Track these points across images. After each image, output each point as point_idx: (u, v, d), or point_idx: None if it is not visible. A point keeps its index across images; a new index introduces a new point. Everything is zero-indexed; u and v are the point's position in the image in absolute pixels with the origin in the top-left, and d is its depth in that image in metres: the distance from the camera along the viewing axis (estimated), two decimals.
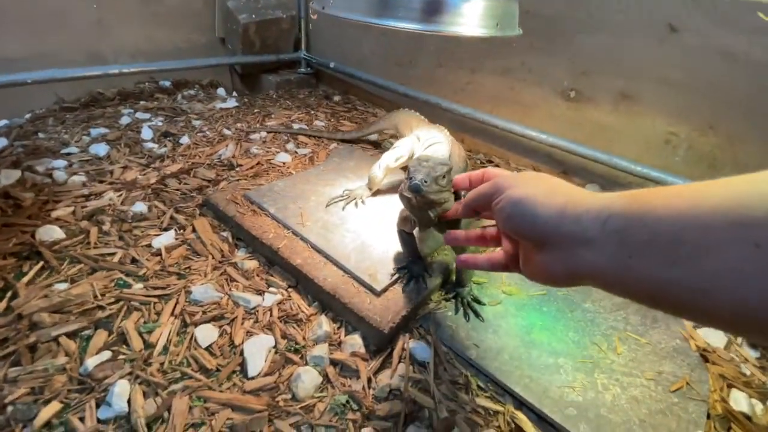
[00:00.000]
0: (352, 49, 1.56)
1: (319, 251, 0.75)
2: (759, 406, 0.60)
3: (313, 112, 1.39)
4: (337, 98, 1.58)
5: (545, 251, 0.34)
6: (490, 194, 0.40)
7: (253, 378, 0.57)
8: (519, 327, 0.68)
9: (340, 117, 1.40)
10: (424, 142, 0.85)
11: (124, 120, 1.17)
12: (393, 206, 0.91)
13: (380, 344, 0.63)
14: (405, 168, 0.93)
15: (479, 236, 0.48)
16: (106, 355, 0.57)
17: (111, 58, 1.28)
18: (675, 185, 0.28)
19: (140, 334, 0.61)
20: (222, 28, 1.47)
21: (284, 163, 1.06)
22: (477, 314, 0.69)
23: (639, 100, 1.03)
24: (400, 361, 0.61)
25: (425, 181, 0.51)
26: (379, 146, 1.24)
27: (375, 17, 0.56)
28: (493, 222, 0.44)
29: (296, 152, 1.13)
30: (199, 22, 1.43)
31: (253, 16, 1.37)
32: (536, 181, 0.37)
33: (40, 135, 1.08)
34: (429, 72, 1.38)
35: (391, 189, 0.97)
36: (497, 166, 1.23)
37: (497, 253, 0.44)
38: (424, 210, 0.55)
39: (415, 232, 0.72)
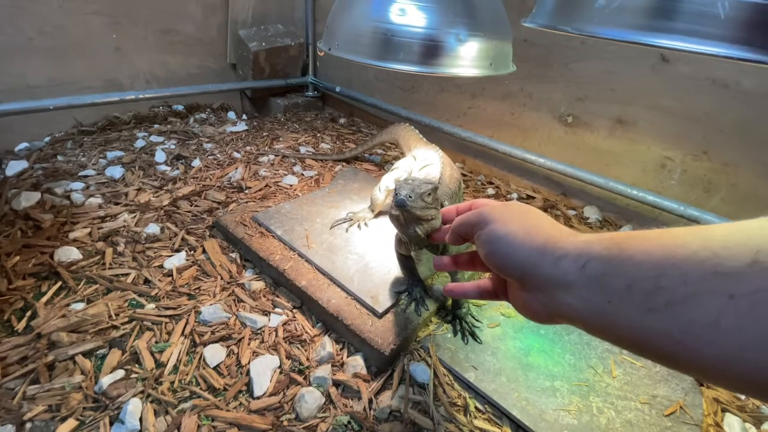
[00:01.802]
0: (358, 74, 1.62)
1: (323, 273, 0.78)
2: (753, 430, 0.61)
3: (319, 134, 1.44)
4: (342, 121, 1.63)
5: (525, 290, 0.34)
6: (473, 224, 0.40)
7: (258, 398, 0.59)
8: (517, 349, 0.70)
9: (345, 139, 1.45)
10: (419, 163, 0.88)
11: (139, 143, 1.23)
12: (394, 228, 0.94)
13: (381, 365, 0.65)
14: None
15: (468, 261, 0.48)
16: (120, 373, 0.60)
17: (127, 84, 1.34)
18: (651, 230, 0.28)
19: (152, 353, 0.64)
20: (233, 55, 1.54)
21: (291, 186, 1.10)
22: (475, 336, 0.71)
23: (634, 125, 1.07)
24: (400, 383, 0.63)
25: (410, 196, 0.52)
26: (383, 167, 1.28)
27: (377, 60, 0.61)
28: None
29: (303, 174, 1.17)
30: (212, 49, 1.50)
31: (263, 44, 1.44)
32: (520, 217, 0.37)
33: (59, 158, 1.14)
34: (431, 97, 1.43)
35: None
36: (497, 187, 1.27)
37: (486, 280, 0.44)
38: (411, 227, 0.55)
39: (414, 254, 0.75)
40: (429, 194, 0.54)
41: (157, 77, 1.40)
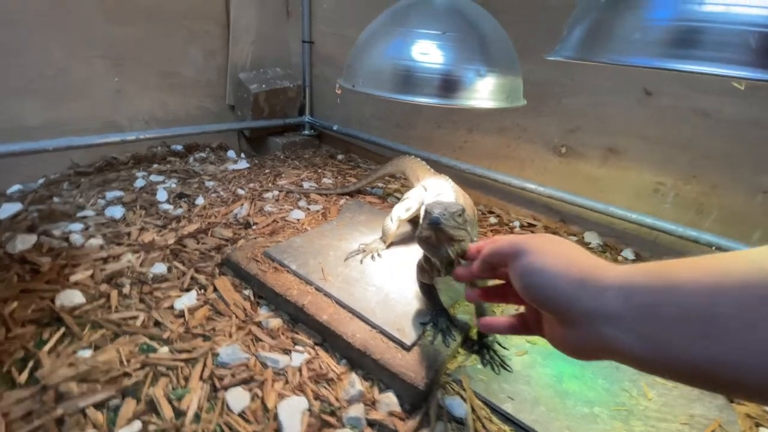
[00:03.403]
0: (354, 112, 1.67)
1: (344, 306, 0.76)
2: None
3: (320, 170, 1.46)
4: (340, 157, 1.66)
5: (565, 325, 0.33)
6: (507, 254, 0.39)
7: None
8: (549, 376, 0.68)
9: (346, 174, 1.46)
10: (431, 192, 0.90)
11: (139, 183, 1.20)
12: (408, 257, 0.94)
13: (415, 401, 0.62)
14: (413, 220, 0.98)
15: (499, 293, 0.47)
16: (137, 426, 0.55)
17: (126, 125, 1.34)
18: (692, 258, 0.28)
19: (170, 401, 0.59)
20: (232, 97, 1.57)
21: (298, 220, 1.09)
22: (505, 365, 0.70)
23: (625, 154, 1.13)
24: (437, 419, 0.60)
25: (443, 215, 0.53)
26: (386, 199, 1.29)
27: (400, 93, 0.63)
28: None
29: (309, 209, 1.17)
30: (211, 91, 1.53)
31: (263, 86, 1.48)
32: (556, 249, 0.36)
33: (55, 199, 1.10)
34: (428, 132, 1.49)
35: (405, 240, 1.00)
36: (499, 216, 1.29)
37: (519, 315, 0.43)
38: (443, 247, 0.55)
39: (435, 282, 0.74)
40: (460, 215, 0.55)
41: (156, 118, 1.40)
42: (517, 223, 1.26)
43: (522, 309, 0.44)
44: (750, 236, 1.01)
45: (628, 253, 1.13)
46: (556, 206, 1.26)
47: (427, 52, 0.62)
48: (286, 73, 1.62)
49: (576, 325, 0.32)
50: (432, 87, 0.62)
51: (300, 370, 0.67)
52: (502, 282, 0.47)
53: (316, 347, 0.72)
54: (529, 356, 0.73)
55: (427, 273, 0.70)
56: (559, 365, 0.71)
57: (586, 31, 0.44)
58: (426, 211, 0.55)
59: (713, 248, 0.99)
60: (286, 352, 0.70)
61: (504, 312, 0.82)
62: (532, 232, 1.22)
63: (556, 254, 0.36)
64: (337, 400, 0.62)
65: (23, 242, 0.90)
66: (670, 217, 1.08)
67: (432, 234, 0.54)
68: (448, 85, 0.62)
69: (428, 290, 0.74)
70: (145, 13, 1.28)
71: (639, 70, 1.06)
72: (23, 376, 0.61)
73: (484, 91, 0.63)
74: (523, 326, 0.42)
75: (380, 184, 1.40)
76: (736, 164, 0.98)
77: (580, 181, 1.21)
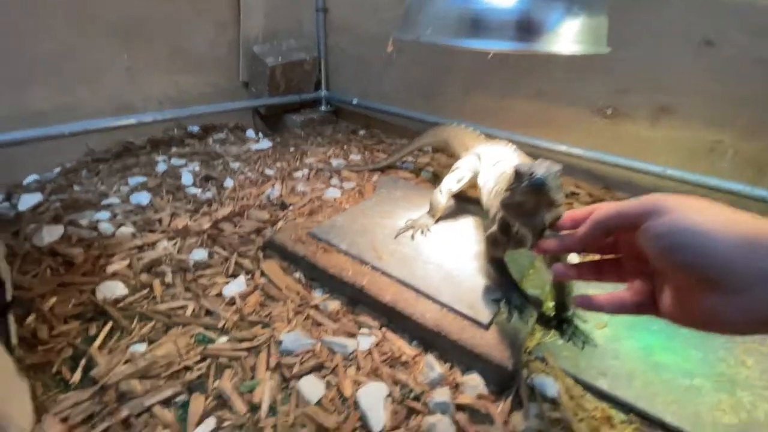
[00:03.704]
0: (374, 85, 1.58)
1: (406, 285, 0.71)
2: None
3: (345, 147, 1.38)
4: (362, 132, 1.58)
5: (719, 293, 0.29)
6: (639, 214, 0.33)
7: None
8: (637, 350, 0.64)
9: (372, 149, 1.39)
10: (489, 160, 0.81)
11: (161, 167, 1.13)
12: (460, 232, 0.88)
13: (501, 382, 0.58)
14: (459, 194, 0.91)
15: (592, 270, 0.42)
16: (211, 423, 0.50)
17: (141, 106, 1.26)
18: None
19: (240, 394, 0.54)
20: (246, 73, 1.48)
21: (335, 199, 1.03)
22: (587, 340, 0.65)
23: (678, 112, 1.06)
24: (529, 400, 0.56)
25: (548, 175, 0.46)
26: (419, 173, 1.23)
27: (471, 39, 0.56)
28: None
29: (342, 187, 1.10)
30: (224, 67, 1.44)
31: (279, 58, 1.39)
32: (704, 206, 0.31)
33: (76, 188, 1.03)
34: (456, 101, 1.40)
35: (451, 215, 0.94)
36: None
37: (622, 292, 0.38)
38: (541, 213, 0.49)
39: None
40: (559, 176, 0.49)
41: (169, 98, 1.32)
42: None
43: (624, 287, 0.38)
44: None
45: None
46: (601, 172, 1.19)
47: None
48: (301, 44, 1.52)
49: (735, 292, 0.27)
50: (507, 30, 0.55)
51: (370, 353, 0.62)
52: (600, 258, 0.42)
53: (383, 329, 0.67)
54: (611, 329, 0.68)
55: (501, 246, 0.64)
56: (644, 337, 0.66)
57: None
58: (519, 173, 0.49)
59: None
60: (351, 335, 0.65)
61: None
62: (577, 200, 1.16)
63: (710, 210, 0.30)
64: (416, 383, 0.58)
65: (50, 234, 0.84)
66: (728, 176, 1.01)
67: (530, 198, 0.47)
68: (528, 26, 0.54)
69: (500, 265, 0.68)
70: None
71: (699, 19, 0.98)
72: (76, 377, 0.56)
73: (568, 34, 0.55)
74: (630, 304, 0.37)
75: (410, 159, 1.33)
76: None
77: (626, 145, 1.14)
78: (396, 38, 0.64)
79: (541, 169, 0.46)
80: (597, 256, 0.42)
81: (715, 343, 0.65)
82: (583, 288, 0.73)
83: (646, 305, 0.36)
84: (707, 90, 1.01)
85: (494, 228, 0.64)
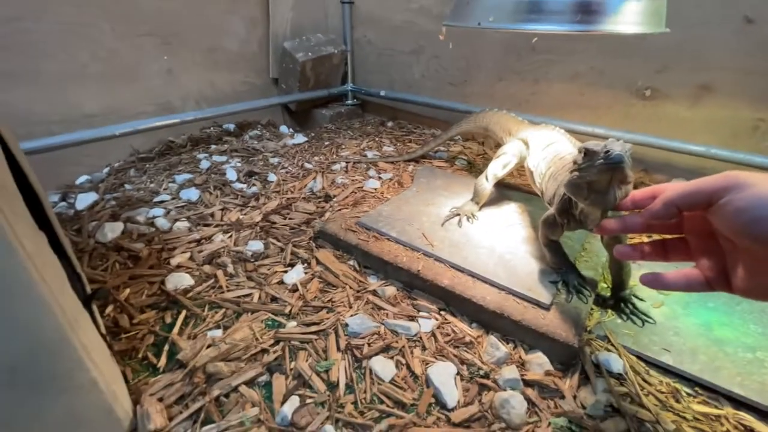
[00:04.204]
0: (401, 75, 1.59)
1: (461, 270, 0.73)
2: None
3: (377, 139, 1.40)
4: (390, 124, 1.60)
5: None
6: (714, 190, 0.34)
7: (453, 409, 0.53)
8: (697, 326, 0.65)
9: (404, 141, 1.41)
10: (538, 144, 0.81)
11: (204, 164, 1.17)
12: (505, 217, 0.89)
13: (565, 360, 0.59)
14: (499, 183, 0.91)
15: (655, 251, 0.42)
16: (295, 401, 0.53)
17: (179, 105, 1.29)
18: None
19: (317, 374, 0.57)
20: (276, 69, 1.50)
21: (376, 189, 1.05)
22: (647, 317, 0.66)
23: (720, 91, 1.04)
24: (596, 376, 0.57)
25: (624, 152, 0.47)
26: (454, 162, 1.24)
27: (532, 23, 0.57)
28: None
29: (380, 177, 1.12)
30: (255, 65, 1.47)
31: (309, 54, 1.41)
32: None
33: (127, 186, 1.07)
34: (487, 88, 1.40)
35: (493, 202, 0.95)
36: None
37: (690, 270, 0.39)
38: (613, 191, 0.49)
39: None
40: (630, 154, 0.49)
41: (206, 97, 1.35)
42: None
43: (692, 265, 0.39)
44: None
45: None
46: (640, 154, 1.18)
47: None
48: (329, 38, 1.53)
49: None
50: (569, 12, 0.55)
51: (434, 335, 0.64)
52: (665, 238, 0.42)
53: (443, 312, 0.69)
54: (668, 307, 0.69)
55: (558, 228, 0.65)
56: (702, 314, 0.67)
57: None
58: (590, 151, 0.50)
59: None
60: (412, 318, 0.68)
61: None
62: None
63: None
64: (483, 362, 0.60)
65: (112, 230, 0.88)
66: None
67: (604, 176, 0.48)
68: (588, 8, 0.55)
69: (557, 247, 0.69)
70: None
71: None
72: (162, 361, 0.59)
73: (628, 15, 0.55)
74: (699, 282, 0.38)
75: (443, 148, 1.34)
76: None
77: (666, 125, 1.13)
78: (450, 26, 0.65)
79: (617, 146, 0.47)
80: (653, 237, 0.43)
81: None
82: (635, 268, 0.73)
83: (716, 281, 0.37)
84: (749, 67, 0.99)
85: (551, 210, 0.65)
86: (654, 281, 0.40)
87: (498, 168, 0.87)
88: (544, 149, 0.76)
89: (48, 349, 0.40)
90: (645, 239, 0.45)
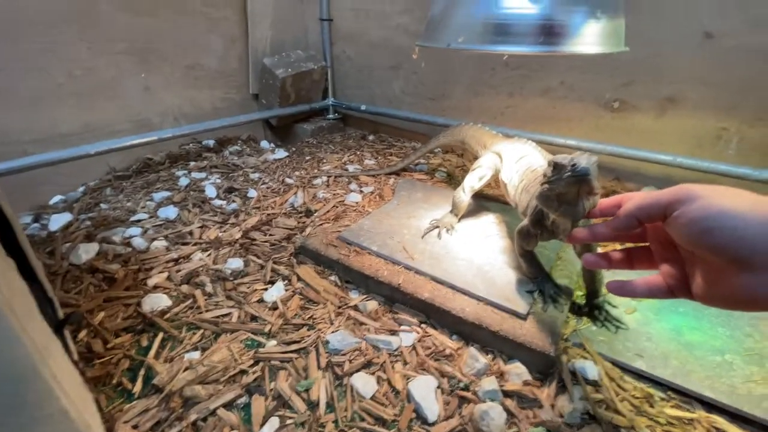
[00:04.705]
0: (381, 90, 1.61)
1: (441, 282, 0.74)
2: None
3: (358, 152, 1.41)
4: (371, 137, 1.61)
5: (749, 271, 0.31)
6: (672, 201, 0.35)
7: (434, 423, 0.53)
8: (668, 331, 0.67)
9: (385, 154, 1.42)
10: (511, 157, 0.83)
11: (183, 181, 1.16)
12: (483, 228, 0.91)
13: (543, 370, 0.60)
14: (477, 194, 0.93)
15: (623, 259, 0.44)
16: (275, 422, 0.53)
17: (157, 122, 1.28)
18: None
19: (298, 393, 0.57)
20: (256, 85, 1.51)
21: (357, 203, 1.06)
22: (620, 324, 0.68)
23: (684, 102, 1.10)
24: (572, 384, 0.58)
25: (589, 166, 0.48)
26: (433, 174, 1.26)
27: (497, 45, 0.59)
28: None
29: (362, 191, 1.13)
30: (234, 81, 1.47)
31: (289, 70, 1.42)
32: (731, 192, 0.34)
33: (103, 205, 1.05)
34: (464, 102, 1.44)
35: (472, 213, 0.97)
36: None
37: (654, 277, 0.40)
38: (581, 202, 0.51)
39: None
40: (596, 165, 0.51)
41: (185, 113, 1.34)
42: None
43: (655, 273, 0.41)
44: None
45: None
46: (611, 164, 1.22)
47: None
48: (309, 54, 1.55)
49: (765, 270, 0.30)
50: (533, 34, 0.58)
51: (414, 348, 0.65)
52: (630, 246, 0.44)
53: (423, 325, 0.69)
54: (640, 313, 0.71)
55: (533, 239, 0.67)
56: (673, 319, 0.69)
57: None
58: (559, 164, 0.52)
59: None
60: (393, 332, 0.68)
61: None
62: None
63: (735, 196, 0.33)
64: (463, 374, 0.60)
65: (87, 251, 0.86)
66: (735, 162, 1.05)
67: (572, 188, 0.50)
68: (551, 30, 0.58)
69: (532, 257, 0.71)
70: (163, 3, 1.21)
71: (698, 13, 1.01)
72: (138, 386, 0.58)
73: (590, 36, 0.58)
74: (663, 288, 0.39)
75: (423, 161, 1.36)
76: None
77: (635, 136, 1.18)
78: (422, 46, 0.67)
79: (583, 159, 0.49)
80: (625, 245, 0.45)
81: (741, 321, 0.68)
82: (609, 275, 0.76)
83: (677, 289, 0.38)
84: (711, 80, 1.04)
85: (526, 221, 0.67)
86: (620, 289, 0.42)
87: (474, 180, 0.89)
88: (517, 162, 0.79)
89: (16, 380, 0.38)
90: (618, 247, 0.47)
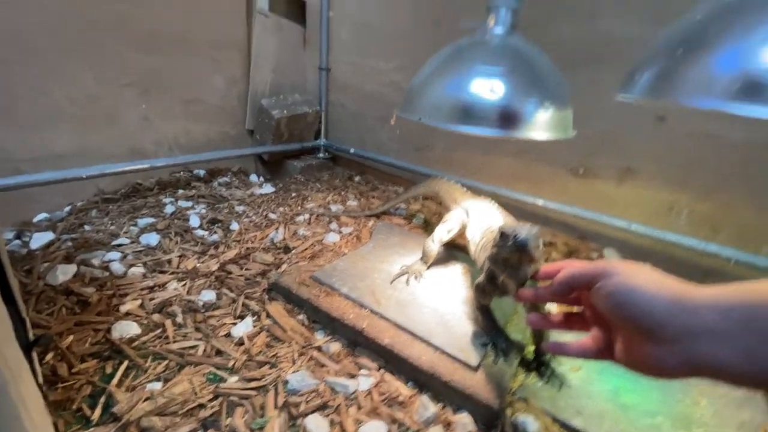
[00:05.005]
0: (371, 137, 1.72)
1: (403, 329, 0.78)
2: None
3: (343, 193, 1.48)
4: (357, 179, 1.69)
5: (656, 343, 0.34)
6: (593, 275, 0.41)
7: None
8: (608, 391, 0.71)
9: (367, 195, 1.49)
10: (474, 215, 0.92)
11: (168, 209, 1.20)
12: (450, 277, 0.96)
13: (488, 422, 0.64)
14: (448, 242, 1.00)
15: (562, 321, 0.49)
16: None
17: (151, 150, 1.34)
18: None
19: (251, 431, 0.59)
20: (252, 122, 1.59)
21: (335, 243, 1.11)
22: (563, 381, 0.72)
23: (641, 174, 1.20)
24: None
25: (530, 237, 0.56)
26: (411, 220, 1.32)
27: (462, 125, 0.68)
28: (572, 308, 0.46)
29: (341, 231, 1.18)
30: (232, 117, 1.55)
31: (285, 111, 1.51)
32: (644, 271, 0.39)
33: (86, 227, 1.08)
34: (446, 154, 1.54)
35: (441, 261, 1.03)
36: None
37: (585, 339, 0.45)
38: (524, 268, 0.58)
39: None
40: (538, 236, 0.59)
41: (180, 144, 1.41)
42: (540, 241, 1.30)
43: (587, 336, 0.46)
44: (761, 250, 1.08)
45: None
46: (575, 224, 1.31)
47: (487, 87, 0.67)
48: (305, 98, 1.66)
49: (668, 343, 0.34)
50: (492, 119, 0.67)
51: (370, 393, 0.68)
52: (569, 310, 0.49)
53: (381, 370, 0.73)
54: (584, 372, 0.76)
55: (488, 294, 0.72)
56: (613, 380, 0.74)
57: (659, 74, 0.49)
58: (505, 233, 0.59)
59: (731, 261, 1.05)
60: (352, 376, 0.71)
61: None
62: (555, 249, 1.27)
63: (645, 275, 0.38)
64: (413, 422, 0.63)
65: (64, 273, 0.88)
66: (685, 233, 1.14)
67: (514, 256, 0.57)
68: (508, 117, 0.66)
69: (487, 311, 0.76)
70: (173, 43, 1.31)
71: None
72: (96, 413, 0.60)
73: (541, 124, 0.67)
74: (592, 351, 0.44)
75: (402, 206, 1.44)
76: (747, 184, 1.06)
77: (597, 200, 1.28)
78: (398, 116, 0.76)
79: (524, 231, 0.56)
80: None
81: (674, 386, 0.73)
82: (557, 335, 0.81)
83: (604, 352, 0.43)
84: (664, 156, 1.16)
85: (482, 278, 0.73)
86: (557, 348, 0.47)
87: (443, 233, 0.96)
88: (480, 221, 0.86)
89: None
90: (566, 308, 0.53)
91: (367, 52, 1.63)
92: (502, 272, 0.61)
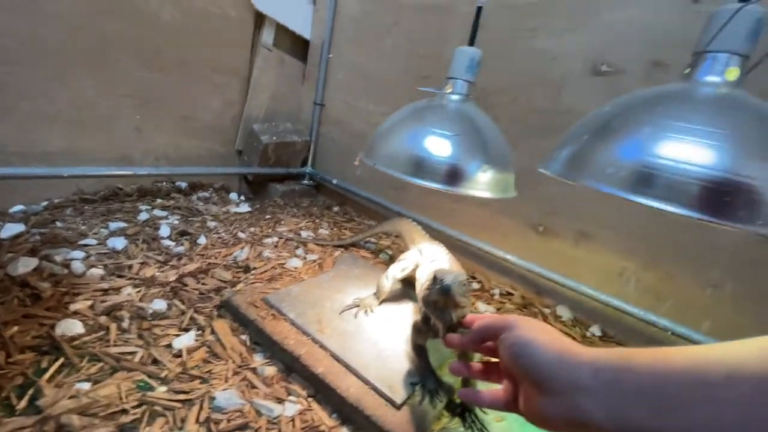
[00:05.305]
0: (352, 170, 1.80)
1: (339, 360, 0.80)
2: None
3: (317, 220, 1.54)
4: (336, 209, 1.75)
5: (544, 395, 0.37)
6: (499, 327, 0.45)
7: None
8: None
9: (341, 226, 1.55)
10: (426, 257, 0.98)
11: (142, 216, 1.24)
12: (399, 315, 1.00)
13: None
14: (406, 280, 1.05)
15: (481, 370, 0.52)
16: None
17: (138, 159, 1.40)
18: (652, 349, 0.34)
19: None
20: (242, 143, 1.67)
21: (296, 268, 1.15)
22: (485, 429, 0.75)
23: (594, 238, 1.28)
24: None
25: (454, 283, 0.61)
26: (378, 255, 1.37)
27: (413, 176, 0.74)
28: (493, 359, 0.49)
29: (305, 258, 1.22)
30: (223, 136, 1.63)
31: (274, 138, 1.60)
32: (540, 327, 0.43)
33: (58, 224, 1.12)
34: (419, 197, 1.61)
35: (395, 298, 1.07)
36: (480, 282, 1.39)
37: (498, 390, 0.47)
38: (449, 312, 0.63)
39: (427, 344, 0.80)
40: (465, 284, 0.64)
41: (167, 156, 1.47)
42: (497, 291, 1.35)
43: (500, 387, 0.49)
44: (701, 324, 1.14)
45: (595, 329, 1.23)
46: (533, 279, 1.37)
47: (439, 146, 0.74)
48: (296, 128, 1.75)
49: (554, 394, 0.36)
50: (440, 175, 0.74)
51: (293, 420, 0.70)
52: (488, 360, 0.53)
53: (310, 399, 0.75)
54: (507, 423, 0.78)
55: (423, 334, 0.76)
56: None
57: (572, 155, 0.57)
58: (436, 277, 0.64)
59: (669, 332, 1.10)
60: (280, 401, 0.73)
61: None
62: (510, 300, 1.31)
63: (542, 331, 0.43)
64: None
65: (25, 265, 0.91)
66: (633, 299, 1.20)
67: (440, 298, 0.62)
68: (454, 175, 0.73)
69: (421, 351, 0.79)
70: (176, 64, 1.40)
71: None
72: (22, 404, 0.61)
73: (483, 183, 0.74)
74: (501, 401, 0.47)
75: (372, 240, 1.49)
76: (689, 258, 1.13)
77: (555, 258, 1.34)
78: (361, 159, 0.83)
79: (449, 277, 0.61)
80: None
81: None
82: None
83: (512, 403, 0.45)
84: (614, 224, 1.23)
85: (418, 318, 0.77)
86: (469, 395, 0.50)
87: (397, 271, 1.01)
88: (430, 263, 0.91)
89: None
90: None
91: (359, 94, 1.74)
92: (432, 314, 0.66)
